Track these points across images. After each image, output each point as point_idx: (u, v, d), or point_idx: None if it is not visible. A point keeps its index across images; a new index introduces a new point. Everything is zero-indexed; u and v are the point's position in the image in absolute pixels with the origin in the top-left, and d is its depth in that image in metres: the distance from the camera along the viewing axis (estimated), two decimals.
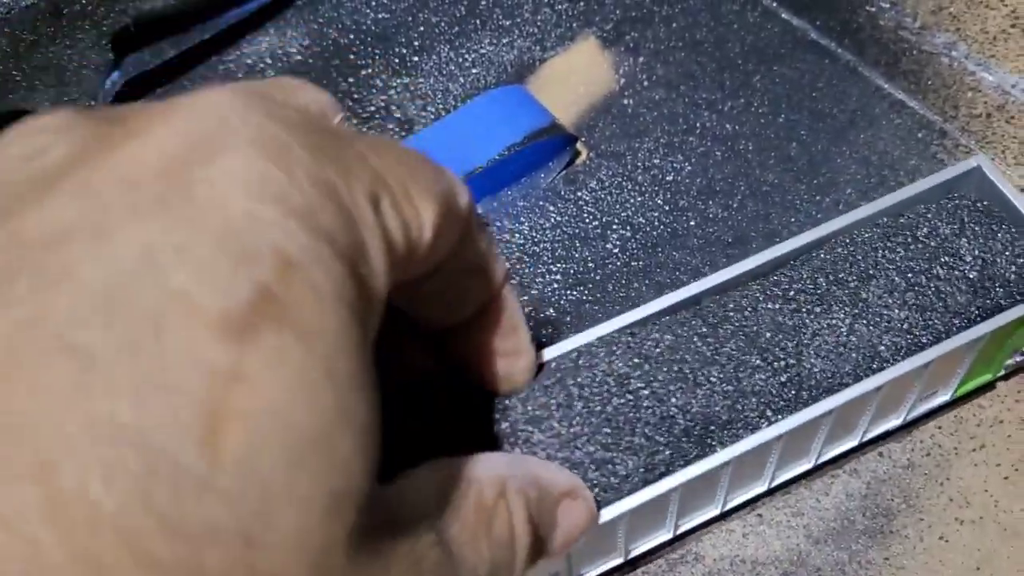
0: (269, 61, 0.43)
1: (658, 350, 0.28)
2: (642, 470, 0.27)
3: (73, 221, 0.15)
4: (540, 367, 0.28)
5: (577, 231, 0.38)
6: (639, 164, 0.40)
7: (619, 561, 0.30)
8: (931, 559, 0.31)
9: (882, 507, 0.32)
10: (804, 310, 0.29)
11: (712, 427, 0.28)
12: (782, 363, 0.29)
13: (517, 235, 0.38)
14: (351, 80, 0.43)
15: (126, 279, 0.15)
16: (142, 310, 0.15)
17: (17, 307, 0.14)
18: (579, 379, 0.28)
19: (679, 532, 0.30)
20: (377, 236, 0.18)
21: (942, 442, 0.33)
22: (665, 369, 0.28)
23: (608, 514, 0.26)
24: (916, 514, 0.32)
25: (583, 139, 0.40)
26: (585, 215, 0.39)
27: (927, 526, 0.32)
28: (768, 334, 0.29)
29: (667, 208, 0.39)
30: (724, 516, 0.32)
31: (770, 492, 0.32)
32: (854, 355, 0.29)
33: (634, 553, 0.30)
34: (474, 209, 0.22)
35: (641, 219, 0.38)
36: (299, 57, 0.43)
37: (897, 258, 0.30)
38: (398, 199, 0.19)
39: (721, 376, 0.28)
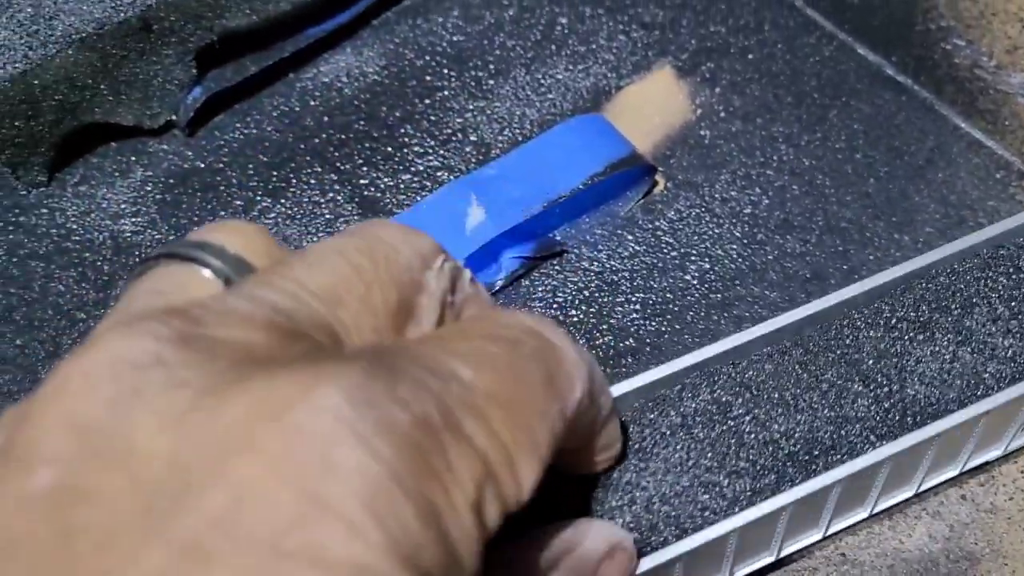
0: (345, 80, 0.44)
1: (760, 378, 0.29)
2: (749, 493, 0.27)
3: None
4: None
5: (655, 261, 0.38)
6: (716, 196, 0.40)
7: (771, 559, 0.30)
8: None
9: (965, 551, 0.32)
10: (907, 337, 0.30)
11: (816, 452, 0.28)
12: (885, 389, 0.29)
13: (595, 263, 0.38)
14: (427, 101, 0.43)
15: None
16: None
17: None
18: (682, 409, 0.29)
19: (781, 555, 0.30)
20: (474, 538, 0.17)
21: None
22: (767, 396, 0.29)
23: (716, 531, 0.26)
24: (1000, 559, 0.32)
25: (660, 169, 0.41)
26: (663, 245, 0.39)
27: (1011, 572, 0.32)
28: (870, 361, 0.30)
29: (745, 241, 0.39)
30: (810, 552, 0.32)
31: (858, 526, 0.32)
32: (958, 382, 0.29)
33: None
34: (597, 394, 0.23)
35: (719, 251, 0.38)
36: (375, 77, 0.44)
37: (1000, 287, 0.30)
38: (501, 483, 0.18)
39: (824, 402, 0.29)
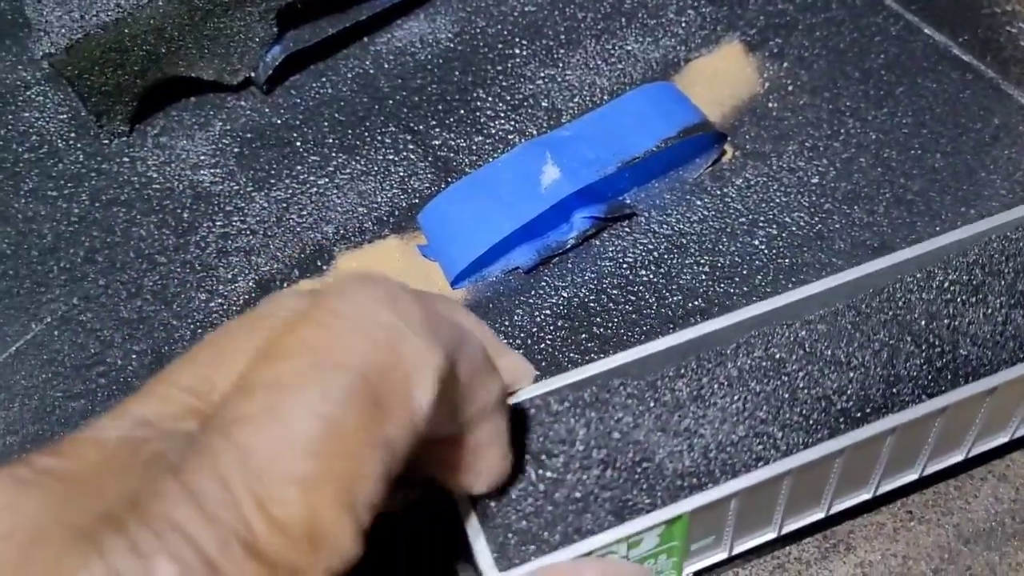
0: (419, 45, 0.45)
1: (813, 337, 0.29)
2: (802, 446, 0.28)
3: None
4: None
5: (724, 226, 0.39)
6: (784, 166, 0.40)
7: (772, 536, 0.30)
8: None
9: None
10: (959, 299, 0.30)
11: (868, 410, 0.28)
12: (937, 350, 0.29)
13: (665, 226, 0.39)
14: (499, 68, 0.44)
15: None
16: None
17: None
18: (738, 363, 0.29)
19: (831, 512, 0.31)
20: None
21: None
22: (820, 354, 0.29)
23: (770, 471, 0.27)
24: None
25: (728, 139, 0.41)
26: (731, 211, 0.39)
27: None
28: (923, 322, 0.30)
29: (812, 210, 0.39)
30: (873, 508, 0.32)
31: (920, 489, 0.32)
32: (1011, 343, 0.29)
33: (787, 529, 0.30)
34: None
35: (787, 218, 0.39)
36: (448, 44, 0.45)
37: None
38: None
39: (876, 361, 0.29)
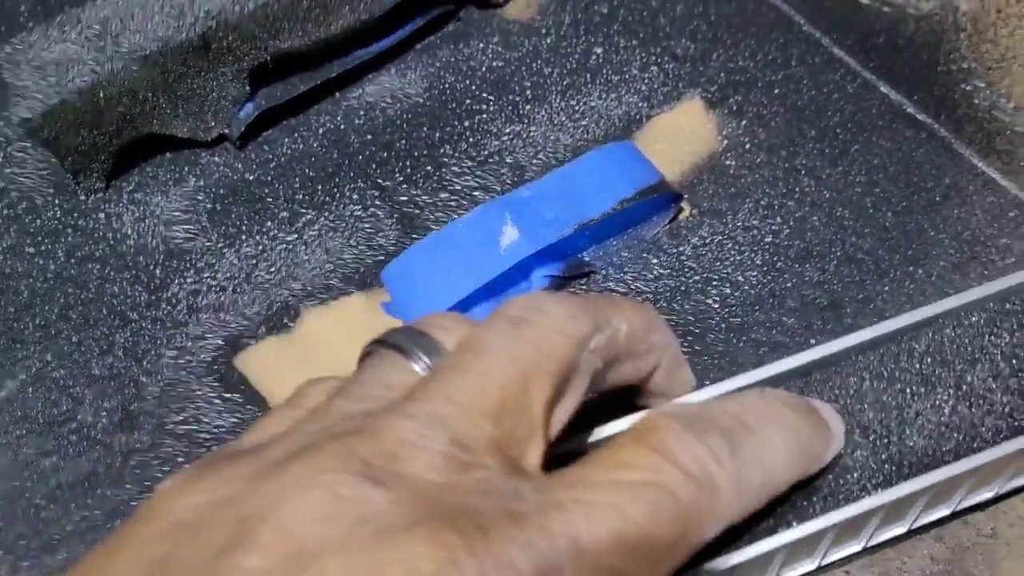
0: (389, 100, 0.46)
1: None
2: (748, 537, 0.29)
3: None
4: None
5: (679, 284, 0.40)
6: (739, 224, 0.42)
7: None
8: None
9: (965, 573, 0.34)
10: (908, 390, 0.31)
11: (815, 499, 0.30)
12: (884, 440, 0.31)
13: (621, 284, 0.40)
14: (467, 123, 0.45)
15: None
16: None
17: None
18: None
19: None
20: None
21: None
22: None
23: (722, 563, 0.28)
24: None
25: (687, 196, 0.42)
26: (686, 269, 0.41)
27: None
28: (871, 413, 0.31)
29: (765, 268, 0.40)
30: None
31: (859, 553, 0.34)
32: (955, 435, 0.30)
33: None
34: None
35: (740, 277, 0.40)
36: (418, 99, 0.46)
37: (1003, 344, 0.32)
38: None
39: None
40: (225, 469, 0.22)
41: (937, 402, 0.31)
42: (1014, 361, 0.32)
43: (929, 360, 0.32)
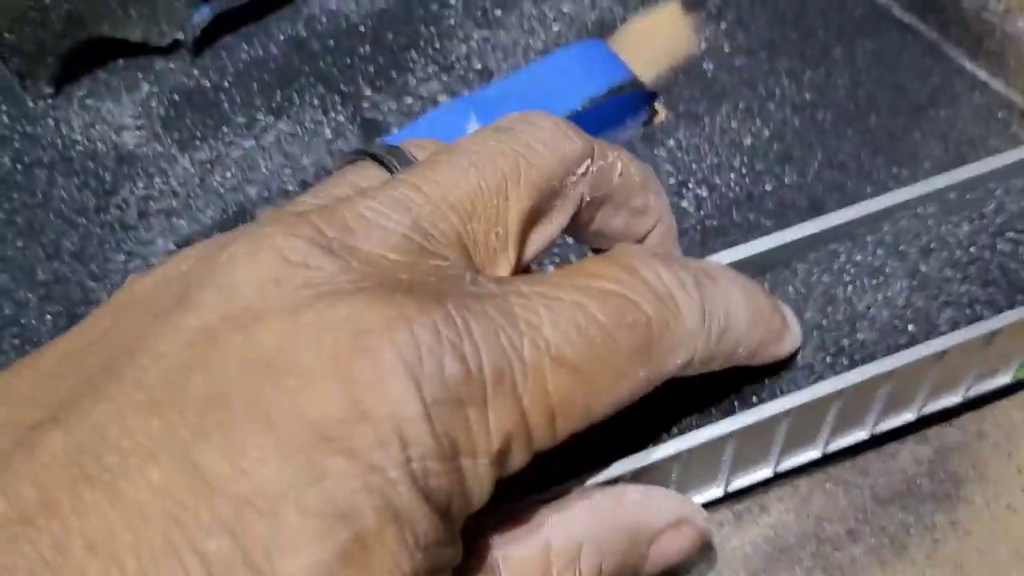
0: (353, 7, 0.44)
1: None
2: (695, 425, 0.27)
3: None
4: None
5: None
6: (717, 127, 0.40)
7: (719, 494, 0.30)
8: (996, 526, 0.31)
9: (949, 473, 0.32)
10: (858, 282, 0.29)
11: (764, 394, 0.28)
12: (833, 334, 0.28)
13: None
14: (432, 29, 0.43)
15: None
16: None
17: None
18: None
19: (730, 489, 0.30)
20: (487, 477, 0.20)
21: (1013, 415, 0.33)
22: None
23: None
24: (984, 482, 0.32)
25: (662, 99, 0.41)
26: (661, 172, 0.39)
27: (994, 494, 0.32)
28: (822, 308, 0.29)
29: (743, 171, 0.39)
30: (785, 476, 0.32)
31: (832, 458, 0.32)
32: (910, 328, 0.28)
33: (700, 500, 0.30)
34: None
35: (717, 180, 0.38)
36: (383, 5, 0.44)
37: (961, 233, 0.30)
38: (534, 437, 0.21)
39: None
40: (184, 251, 0.21)
41: (890, 294, 0.29)
42: (972, 250, 0.29)
43: (881, 252, 0.30)
